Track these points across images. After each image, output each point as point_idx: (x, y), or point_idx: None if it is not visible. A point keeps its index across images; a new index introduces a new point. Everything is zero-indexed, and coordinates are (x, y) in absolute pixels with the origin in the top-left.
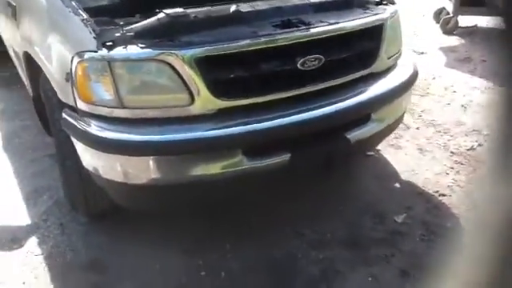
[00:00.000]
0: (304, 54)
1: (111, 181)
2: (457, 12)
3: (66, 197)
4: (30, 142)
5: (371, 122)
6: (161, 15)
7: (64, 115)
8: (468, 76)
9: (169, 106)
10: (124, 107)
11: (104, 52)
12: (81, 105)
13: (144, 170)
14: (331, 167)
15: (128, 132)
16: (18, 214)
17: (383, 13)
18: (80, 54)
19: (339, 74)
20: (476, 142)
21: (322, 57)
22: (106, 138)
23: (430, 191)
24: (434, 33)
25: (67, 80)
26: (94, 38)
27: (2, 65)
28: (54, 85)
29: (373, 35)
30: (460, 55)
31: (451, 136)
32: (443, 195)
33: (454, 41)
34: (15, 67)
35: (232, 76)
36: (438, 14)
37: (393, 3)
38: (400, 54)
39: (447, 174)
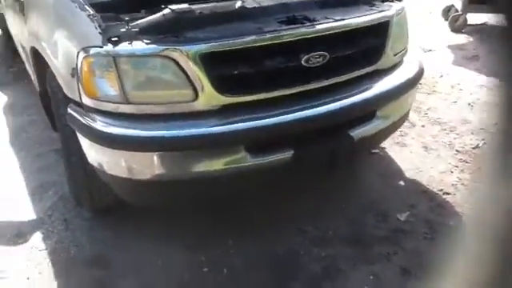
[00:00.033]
0: (309, 50)
1: (116, 176)
2: (466, 9)
3: (71, 192)
4: (36, 136)
5: (376, 119)
6: (166, 11)
7: (69, 110)
8: (475, 74)
9: (173, 102)
10: (129, 103)
11: (109, 47)
12: (86, 100)
13: (148, 166)
14: (335, 164)
15: (133, 128)
16: (23, 209)
17: (389, 10)
18: (86, 49)
19: (344, 71)
20: (482, 140)
21: (326, 53)
22: (110, 134)
23: (434, 189)
24: (443, 30)
25: (73, 75)
26: (100, 33)
27: (10, 60)
28: (59, 80)
29: (378, 32)
30: (468, 53)
31: (457, 134)
32: (447, 194)
33: (462, 39)
34: (23, 62)
35: (236, 72)
36: (447, 11)
37: (399, 0)
38: (406, 51)
39: (452, 172)
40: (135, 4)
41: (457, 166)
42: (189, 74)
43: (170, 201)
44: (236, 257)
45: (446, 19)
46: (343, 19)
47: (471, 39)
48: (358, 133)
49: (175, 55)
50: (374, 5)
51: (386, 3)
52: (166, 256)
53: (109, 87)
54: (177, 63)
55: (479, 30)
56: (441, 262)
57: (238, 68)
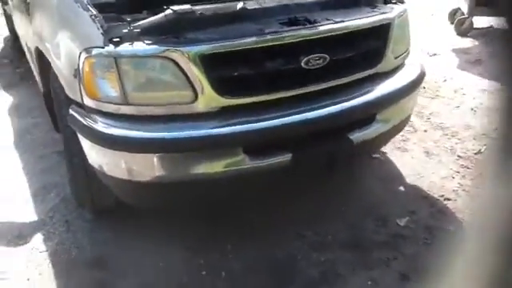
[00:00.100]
0: (309, 52)
1: (116, 178)
2: (472, 13)
3: (73, 193)
4: (40, 138)
5: (376, 122)
6: (167, 12)
7: (71, 111)
8: (479, 79)
9: (173, 104)
10: (129, 104)
11: (111, 48)
12: (87, 101)
13: (148, 168)
14: (333, 168)
15: (133, 129)
16: (25, 210)
17: (390, 12)
18: (88, 49)
19: (344, 74)
20: (484, 146)
21: (326, 56)
22: (111, 135)
23: (435, 195)
24: (448, 34)
25: (75, 76)
26: (102, 34)
27: (17, 61)
28: (62, 81)
29: (379, 34)
30: (472, 57)
31: (459, 139)
32: (448, 199)
33: (467, 42)
34: (29, 63)
35: (236, 74)
36: (453, 14)
37: (402, 2)
38: (408, 54)
39: (453, 178)
40: (138, 4)
41: (458, 172)
42: (189, 75)
43: (169, 202)
44: (235, 260)
45: (452, 22)
46: (344, 21)
47: (476, 43)
48: (357, 136)
49: (175, 56)
50: (375, 7)
51: (387, 5)
52: (165, 258)
53: (110, 88)
54: (177, 64)
55: (485, 34)
56: (440, 267)
57: (238, 70)
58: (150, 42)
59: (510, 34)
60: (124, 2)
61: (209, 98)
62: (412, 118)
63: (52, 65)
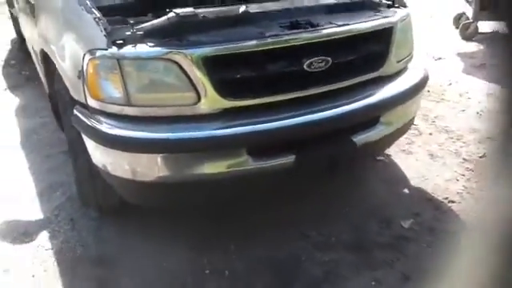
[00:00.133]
0: (311, 55)
1: (119, 178)
2: (477, 17)
3: (78, 193)
4: (47, 138)
5: (379, 125)
6: (171, 15)
7: (75, 112)
8: (484, 83)
9: (176, 105)
10: (131, 105)
11: (114, 50)
12: (91, 102)
13: (151, 168)
14: (336, 170)
15: (136, 130)
16: (31, 208)
17: (393, 16)
18: (92, 51)
19: (346, 77)
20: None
21: (329, 59)
22: (115, 136)
23: (439, 198)
24: (453, 38)
25: (79, 77)
26: (105, 36)
27: (23, 64)
28: (66, 82)
29: (382, 38)
30: (477, 61)
31: (464, 143)
32: (452, 202)
33: (472, 47)
34: (35, 65)
35: (238, 76)
36: (458, 19)
37: (405, 6)
38: (411, 58)
39: (457, 180)
40: (142, 7)
41: (463, 175)
42: (191, 77)
43: (173, 203)
44: (238, 260)
45: (457, 27)
46: (346, 24)
47: (481, 47)
48: (360, 139)
49: (178, 58)
50: (378, 10)
51: (390, 9)
52: (169, 257)
53: (113, 89)
54: (180, 66)
55: (490, 38)
56: (442, 268)
57: (241, 72)
58: (152, 44)
59: (509, 38)
60: (129, 5)
61: (211, 100)
62: (417, 122)
63: (57, 66)
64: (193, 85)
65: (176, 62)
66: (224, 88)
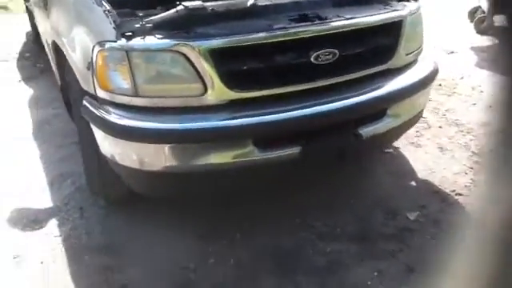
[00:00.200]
0: (318, 47)
1: (127, 167)
2: (492, 11)
3: (87, 182)
4: (60, 129)
5: (387, 117)
6: (179, 7)
7: (84, 102)
8: (498, 76)
9: (183, 96)
10: (139, 96)
11: (123, 42)
12: (100, 93)
13: (158, 158)
14: (342, 162)
15: (144, 120)
16: (42, 197)
17: (403, 9)
18: (101, 43)
19: (354, 69)
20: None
21: (336, 51)
22: (123, 126)
23: (447, 190)
24: (467, 32)
25: (88, 69)
26: (114, 28)
27: (37, 56)
28: (76, 73)
29: (390, 31)
30: (491, 55)
31: (474, 136)
32: (460, 195)
33: (486, 40)
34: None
35: (245, 68)
36: (473, 12)
37: (415, 0)
38: (421, 51)
39: (466, 173)
40: (151, 0)
41: (471, 168)
42: (198, 68)
43: (179, 192)
44: (243, 249)
45: (472, 21)
46: (354, 17)
47: (496, 41)
48: (367, 131)
49: (186, 50)
50: (388, 4)
51: (400, 2)
52: (175, 245)
53: (121, 80)
54: (187, 58)
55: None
56: (445, 261)
57: (248, 64)
58: (161, 36)
59: (509, 31)
60: None
61: (218, 92)
62: (427, 115)
63: (67, 58)
64: (200, 76)
65: (183, 54)
66: (231, 80)
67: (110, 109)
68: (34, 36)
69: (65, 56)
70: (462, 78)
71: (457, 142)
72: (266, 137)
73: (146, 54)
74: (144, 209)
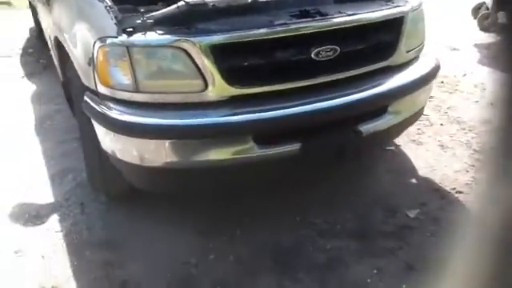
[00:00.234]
0: (319, 44)
1: (128, 163)
2: (496, 7)
3: (88, 178)
4: (62, 124)
5: (387, 114)
6: (180, 3)
7: (86, 98)
8: (498, 73)
9: (183, 92)
10: (140, 91)
11: (124, 38)
12: (101, 88)
13: (158, 154)
14: (342, 159)
15: (144, 116)
16: (43, 192)
17: (404, 5)
18: (102, 39)
19: (354, 66)
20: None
21: (337, 48)
22: (123, 121)
23: (447, 188)
24: (470, 29)
25: (89, 64)
26: (116, 24)
27: (40, 52)
28: (77, 69)
29: (391, 28)
30: (493, 52)
31: (476, 134)
32: (460, 192)
33: (489, 37)
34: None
35: (246, 64)
36: (477, 9)
37: None
38: (422, 48)
39: (467, 171)
40: None
41: (473, 166)
42: (199, 64)
43: (179, 188)
44: (243, 245)
45: (475, 17)
46: (355, 14)
47: (499, 38)
48: (367, 128)
49: (186, 46)
50: (389, 0)
51: None
52: (175, 241)
53: (122, 76)
54: (188, 54)
55: None
56: (444, 259)
57: (248, 60)
58: (162, 32)
59: (509, 27)
60: None
61: (219, 88)
62: (429, 112)
63: (69, 53)
64: (200, 72)
65: (184, 50)
66: (231, 76)
67: (111, 104)
68: (38, 32)
69: (66, 52)
70: (465, 75)
71: (458, 140)
72: (266, 133)
73: (146, 49)
74: (145, 204)
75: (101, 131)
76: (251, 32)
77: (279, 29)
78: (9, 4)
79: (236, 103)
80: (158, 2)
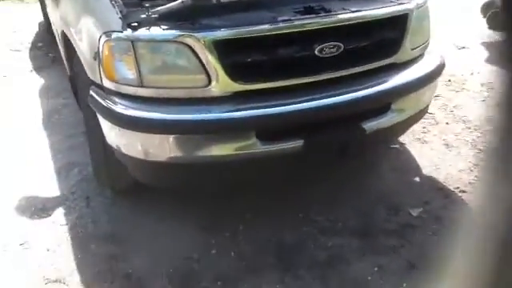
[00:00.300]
0: (323, 40)
1: (132, 158)
2: (504, 6)
3: (93, 172)
4: (69, 118)
5: (391, 112)
6: None
7: (91, 92)
8: (500, 71)
9: (187, 87)
10: (144, 86)
11: (129, 32)
12: (106, 83)
13: (162, 148)
14: (345, 156)
15: (149, 111)
16: (49, 185)
17: (409, 3)
18: (107, 33)
19: (358, 63)
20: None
21: (341, 44)
22: (128, 116)
23: (451, 187)
24: (479, 27)
25: (95, 59)
26: (121, 18)
27: (49, 46)
28: (83, 63)
29: (396, 25)
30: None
31: (481, 133)
32: (463, 192)
33: (498, 36)
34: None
35: (249, 60)
36: (486, 7)
37: None
38: (427, 45)
39: (471, 170)
40: None
41: (477, 165)
42: (203, 60)
43: (183, 183)
44: (245, 241)
45: (485, 16)
46: (359, 10)
47: None
48: (371, 125)
49: (190, 41)
50: None
51: None
52: (179, 236)
53: (127, 70)
54: (192, 49)
55: None
56: (446, 259)
57: (252, 56)
58: (166, 27)
59: (508, 25)
60: None
61: (222, 83)
62: (434, 111)
63: (75, 48)
64: (204, 68)
65: (188, 45)
66: (235, 71)
67: (116, 99)
68: (47, 26)
69: (73, 46)
70: (472, 73)
71: (463, 139)
72: (269, 129)
73: (151, 44)
74: (149, 199)
75: (106, 126)
76: (255, 28)
77: (283, 25)
78: None
79: (239, 99)
80: None
